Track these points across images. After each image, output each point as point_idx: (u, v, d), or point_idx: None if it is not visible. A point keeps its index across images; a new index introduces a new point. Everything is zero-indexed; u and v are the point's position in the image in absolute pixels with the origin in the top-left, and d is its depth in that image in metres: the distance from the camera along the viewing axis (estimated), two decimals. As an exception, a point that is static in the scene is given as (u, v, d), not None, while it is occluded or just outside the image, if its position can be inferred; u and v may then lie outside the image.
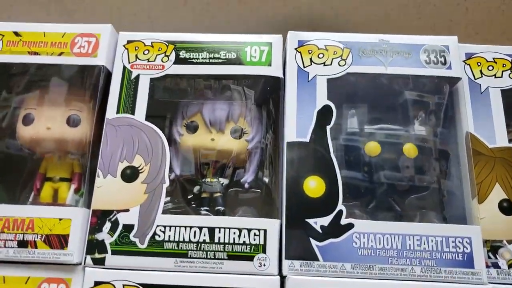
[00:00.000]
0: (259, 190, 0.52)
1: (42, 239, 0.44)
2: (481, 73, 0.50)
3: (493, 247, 0.44)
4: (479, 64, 0.50)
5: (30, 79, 0.52)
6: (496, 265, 0.44)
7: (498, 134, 0.47)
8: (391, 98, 0.52)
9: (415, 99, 0.51)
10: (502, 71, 0.50)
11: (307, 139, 0.46)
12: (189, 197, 0.53)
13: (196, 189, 0.53)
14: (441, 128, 0.51)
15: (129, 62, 0.50)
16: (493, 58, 0.50)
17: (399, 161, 0.49)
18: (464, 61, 0.50)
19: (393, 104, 0.52)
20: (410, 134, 0.50)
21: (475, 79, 0.49)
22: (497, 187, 0.46)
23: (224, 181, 0.52)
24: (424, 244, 0.43)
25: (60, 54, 0.50)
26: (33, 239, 0.44)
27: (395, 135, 0.49)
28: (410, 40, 0.50)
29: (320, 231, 0.43)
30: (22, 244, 0.44)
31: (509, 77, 0.49)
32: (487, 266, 0.43)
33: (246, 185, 0.52)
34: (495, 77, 0.49)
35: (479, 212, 0.45)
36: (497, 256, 0.44)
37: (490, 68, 0.50)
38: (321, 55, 0.49)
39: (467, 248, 0.43)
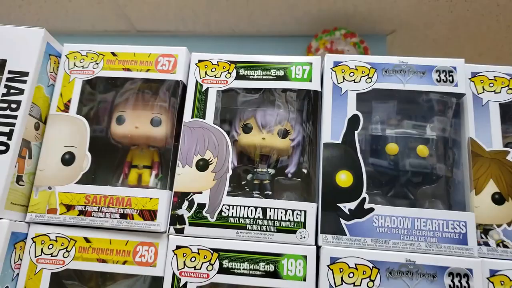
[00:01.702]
0: (299, 179, 0.65)
1: (137, 213, 0.59)
2: (483, 89, 0.61)
3: (485, 230, 0.56)
4: (482, 81, 0.61)
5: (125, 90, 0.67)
6: (486, 244, 0.56)
7: (494, 140, 0.59)
8: (409, 107, 0.64)
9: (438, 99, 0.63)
10: (501, 88, 0.61)
11: (340, 141, 0.59)
12: (243, 183, 0.67)
13: (249, 176, 0.66)
14: (450, 133, 0.63)
15: (200, 78, 0.64)
16: (494, 77, 0.61)
17: (413, 160, 0.61)
18: (469, 78, 0.61)
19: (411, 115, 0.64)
20: (423, 138, 0.62)
21: (478, 94, 0.61)
22: (491, 183, 0.58)
23: (272, 171, 0.66)
24: (429, 225, 0.55)
25: (147, 70, 0.65)
26: (131, 213, 0.59)
27: (410, 137, 0.61)
28: (425, 61, 0.61)
29: (348, 213, 0.56)
30: (123, 216, 0.59)
31: (507, 93, 0.60)
32: (479, 244, 0.55)
33: (289, 175, 0.65)
34: (495, 92, 0.60)
35: (475, 202, 0.57)
36: (488, 236, 0.56)
37: (491, 85, 0.61)
38: (351, 74, 0.61)
39: (463, 230, 0.55)
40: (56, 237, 0.59)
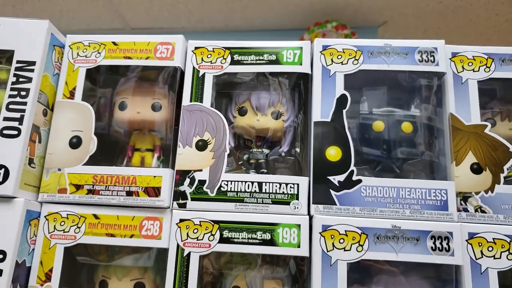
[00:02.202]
0: (292, 158, 0.70)
1: (143, 190, 0.63)
2: (463, 68, 0.65)
3: (464, 197, 0.61)
4: (461, 61, 0.65)
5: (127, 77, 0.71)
6: (466, 210, 0.60)
7: (473, 115, 0.63)
8: (394, 88, 0.69)
9: (421, 84, 0.67)
10: (479, 66, 0.65)
11: (329, 119, 0.64)
12: (239, 162, 0.71)
13: (245, 156, 0.71)
14: (432, 111, 0.67)
15: (197, 64, 0.68)
16: (473, 56, 0.66)
17: (398, 136, 0.66)
18: (450, 58, 0.66)
19: (396, 93, 0.69)
20: (407, 115, 0.66)
21: (458, 72, 0.65)
22: (470, 154, 0.62)
23: (266, 151, 0.70)
24: (413, 194, 0.60)
25: (147, 58, 0.69)
26: (136, 190, 0.63)
27: (396, 115, 0.66)
28: (408, 43, 0.65)
29: (338, 185, 0.61)
30: (129, 193, 0.63)
31: (485, 71, 0.65)
32: (459, 210, 0.60)
33: (283, 154, 0.69)
34: (474, 71, 0.65)
35: (455, 172, 0.61)
36: (467, 203, 0.60)
37: (470, 64, 0.65)
38: (339, 56, 0.66)
39: (443, 197, 0.60)
40: (67, 214, 0.64)
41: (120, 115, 0.71)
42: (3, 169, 0.61)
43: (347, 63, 0.65)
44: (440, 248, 0.57)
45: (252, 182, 0.63)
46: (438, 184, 0.60)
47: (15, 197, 0.61)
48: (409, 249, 0.58)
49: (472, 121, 0.63)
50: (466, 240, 0.58)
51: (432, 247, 0.57)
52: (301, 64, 0.66)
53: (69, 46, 0.71)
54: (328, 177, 0.61)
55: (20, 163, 0.61)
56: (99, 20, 1.60)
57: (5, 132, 0.62)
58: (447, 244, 0.57)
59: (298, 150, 0.69)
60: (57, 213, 0.64)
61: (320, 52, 0.66)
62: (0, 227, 0.60)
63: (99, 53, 0.70)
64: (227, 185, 0.63)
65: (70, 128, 0.67)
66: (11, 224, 0.60)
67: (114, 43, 0.70)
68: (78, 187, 0.64)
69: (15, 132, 0.62)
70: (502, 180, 0.60)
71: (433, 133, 0.66)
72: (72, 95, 0.68)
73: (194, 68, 0.68)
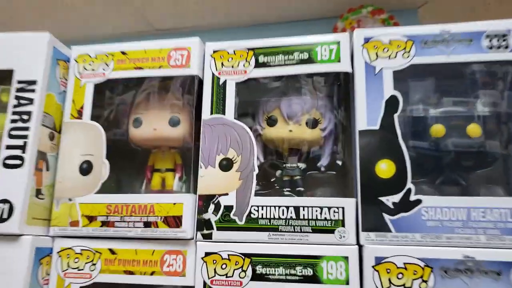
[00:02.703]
0: (334, 172, 0.59)
1: (162, 220, 0.55)
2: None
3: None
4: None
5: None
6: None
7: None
8: (455, 85, 0.56)
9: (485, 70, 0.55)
10: None
11: (377, 127, 0.53)
12: (272, 180, 0.61)
13: (278, 173, 0.61)
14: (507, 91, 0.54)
15: (216, 70, 0.59)
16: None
17: (463, 142, 0.54)
18: (526, 42, 0.53)
19: (458, 89, 0.56)
20: (473, 115, 0.54)
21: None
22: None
23: (302, 165, 0.60)
24: (488, 215, 0.48)
25: (160, 67, 0.60)
26: (155, 220, 0.55)
27: (458, 117, 0.54)
28: (471, 27, 0.53)
29: (392, 207, 0.50)
30: (147, 224, 0.55)
31: None
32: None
33: (322, 168, 0.59)
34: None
35: (542, 185, 0.49)
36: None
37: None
38: (385, 50, 0.54)
39: (529, 217, 0.47)
40: (81, 250, 0.57)
41: (135, 133, 0.63)
42: (7, 205, 0.54)
43: (395, 57, 0.54)
44: (528, 284, 0.46)
45: (288, 207, 0.53)
46: (521, 202, 0.48)
47: (22, 235, 0.54)
48: (488, 286, 0.46)
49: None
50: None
51: None
52: (339, 62, 0.56)
53: (74, 59, 0.63)
54: (379, 197, 0.51)
55: (25, 196, 0.55)
56: (123, 24, 1.55)
57: (7, 162, 0.56)
58: (537, 279, 0.46)
59: (340, 163, 0.58)
60: (70, 248, 0.57)
61: (362, 45, 0.55)
62: (8, 270, 0.53)
63: (107, 65, 0.62)
64: (257, 211, 0.53)
65: (80, 152, 0.60)
66: (19, 265, 0.53)
67: (123, 53, 0.62)
68: (91, 218, 0.57)
69: (19, 162, 0.56)
70: None
71: (504, 135, 0.54)
72: (80, 114, 0.61)
73: (213, 75, 0.59)
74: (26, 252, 0.54)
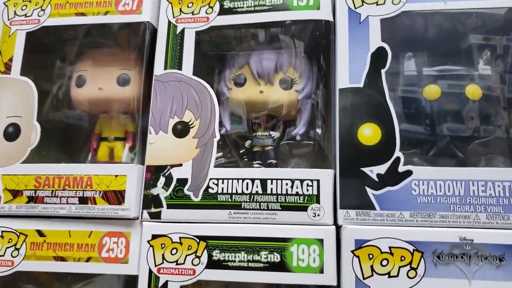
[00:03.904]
0: (311, 142, 0.51)
1: (101, 195, 0.46)
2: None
3: None
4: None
5: (80, 43, 0.53)
6: None
7: None
8: (453, 40, 0.48)
9: (481, 43, 0.47)
10: None
11: (361, 84, 0.44)
12: (241, 151, 0.52)
13: (247, 143, 0.52)
14: (509, 74, 0.47)
15: (173, 17, 0.49)
16: None
17: (462, 107, 0.46)
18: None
19: (455, 46, 0.48)
20: (473, 75, 0.46)
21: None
22: None
23: (275, 134, 0.51)
24: (490, 189, 0.40)
25: (106, 13, 0.50)
26: (92, 196, 0.46)
27: (457, 75, 0.46)
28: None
29: (377, 179, 0.42)
30: (83, 200, 0.46)
31: None
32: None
33: (298, 137, 0.50)
34: None
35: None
36: None
37: None
38: (373, -6, 0.46)
39: (539, 193, 0.40)
40: (2, 232, 0.47)
41: (78, 93, 0.53)
42: None
43: (384, 3, 0.45)
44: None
45: (253, 180, 0.44)
46: (530, 175, 0.40)
47: None
48: (489, 274, 0.38)
49: None
50: None
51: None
52: (318, 9, 0.47)
53: (4, 3, 0.52)
54: (362, 168, 0.42)
55: None
56: None
57: None
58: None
59: (319, 131, 0.49)
60: (-13, 229, 0.47)
61: (345, -11, 0.46)
62: None
63: (43, 10, 0.52)
64: (217, 184, 0.44)
65: (6, 114, 0.50)
66: None
67: (63, -5, 0.51)
68: (15, 193, 0.47)
69: None
70: None
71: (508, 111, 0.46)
72: (8, 68, 0.51)
73: (170, 22, 0.49)
74: None
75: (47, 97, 0.55)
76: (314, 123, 0.50)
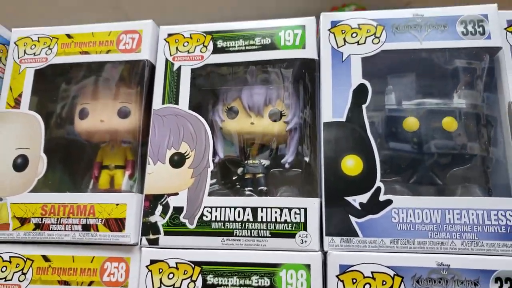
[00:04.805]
0: (299, 170, 0.54)
1: (102, 223, 0.49)
2: (523, 40, 0.48)
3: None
4: (522, 31, 0.48)
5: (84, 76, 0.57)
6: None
7: (544, 104, 0.46)
8: (431, 70, 0.52)
9: (464, 67, 0.51)
10: (548, 37, 0.48)
11: (344, 119, 0.47)
12: (233, 178, 0.55)
13: (239, 170, 0.55)
14: (486, 93, 0.50)
15: (170, 55, 0.53)
16: (538, 24, 0.48)
17: (439, 136, 0.49)
18: (505, 28, 0.48)
19: (433, 76, 0.52)
20: (450, 108, 0.49)
21: (517, 47, 0.48)
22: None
23: (266, 162, 0.54)
24: (465, 217, 0.43)
25: (108, 51, 0.54)
26: (94, 223, 0.49)
27: (433, 109, 0.49)
28: (446, 12, 0.48)
29: (359, 208, 0.45)
30: (86, 227, 0.49)
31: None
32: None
33: (287, 165, 0.53)
34: (541, 43, 0.47)
35: (523, 184, 0.44)
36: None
37: (535, 34, 0.48)
38: (354, 34, 0.49)
39: (509, 221, 0.42)
40: (10, 257, 0.50)
41: (81, 125, 0.56)
42: None
43: (364, 43, 0.49)
44: (509, 294, 0.40)
45: (244, 208, 0.47)
46: (500, 203, 0.43)
47: None
48: (464, 298, 0.41)
49: (542, 112, 0.45)
50: (546, 282, 0.41)
51: (496, 294, 0.41)
52: (304, 48, 0.50)
53: (14, 42, 0.56)
54: (345, 198, 0.45)
55: None
56: (100, 15, 1.50)
57: None
58: (518, 288, 0.41)
59: (307, 159, 0.53)
60: (-3, 256, 0.50)
61: (329, 30, 0.50)
62: None
63: (50, 49, 0.55)
64: (210, 213, 0.47)
65: (14, 146, 0.53)
66: None
67: (69, 36, 0.56)
68: (23, 221, 0.50)
69: None
70: None
71: (485, 134, 0.49)
72: (17, 103, 0.54)
73: (167, 60, 0.53)
74: None
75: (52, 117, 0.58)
76: (302, 150, 0.53)
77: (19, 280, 0.49)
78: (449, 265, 0.42)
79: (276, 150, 0.55)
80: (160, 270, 0.46)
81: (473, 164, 0.50)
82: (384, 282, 0.42)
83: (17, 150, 0.53)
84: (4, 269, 0.49)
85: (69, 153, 0.58)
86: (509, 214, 0.43)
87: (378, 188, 0.45)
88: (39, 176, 0.52)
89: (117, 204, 0.49)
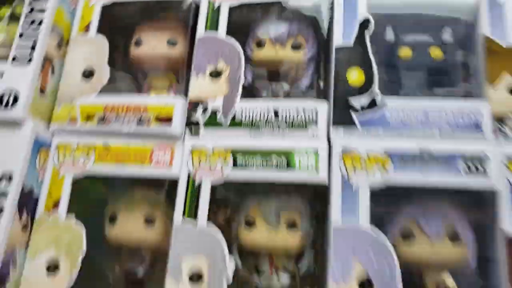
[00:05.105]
0: (314, 92, 0.65)
1: (154, 118, 0.61)
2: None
3: (500, 119, 0.54)
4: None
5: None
6: (501, 131, 0.54)
7: None
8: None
9: None
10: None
11: (351, 44, 0.60)
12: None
13: (264, 93, 0.66)
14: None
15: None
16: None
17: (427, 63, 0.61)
18: None
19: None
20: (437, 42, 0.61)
21: None
22: (508, 76, 0.57)
23: (286, 86, 0.66)
24: (444, 115, 0.55)
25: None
26: (148, 118, 0.61)
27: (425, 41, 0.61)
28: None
29: (360, 108, 0.56)
30: (140, 122, 0.61)
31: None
32: (494, 132, 0.53)
33: (304, 88, 0.65)
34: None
35: (492, 94, 0.56)
36: (503, 125, 0.54)
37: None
38: None
39: (477, 118, 0.54)
40: (77, 144, 0.62)
41: (136, 51, 0.69)
42: (13, 93, 0.60)
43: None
44: (475, 171, 0.52)
45: (268, 109, 0.59)
46: (472, 105, 0.55)
47: (23, 124, 0.60)
48: (439, 172, 0.52)
49: (512, 42, 0.57)
50: (503, 162, 0.52)
51: (465, 170, 0.52)
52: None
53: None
54: (349, 100, 0.57)
55: (30, 89, 0.60)
56: None
57: (16, 58, 0.61)
58: (481, 165, 0.52)
59: (321, 83, 0.64)
60: (67, 143, 0.62)
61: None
62: (8, 152, 0.58)
63: None
64: (241, 114, 0.59)
65: (84, 61, 0.66)
66: (19, 148, 0.58)
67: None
68: (88, 117, 0.62)
69: (27, 59, 0.61)
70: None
71: (466, 59, 0.61)
72: (87, 29, 0.67)
73: (209, 2, 0.66)
74: (26, 137, 0.59)
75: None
76: (318, 78, 0.65)
77: (84, 162, 0.61)
78: (429, 149, 0.53)
79: (295, 76, 0.67)
80: (199, 155, 0.58)
81: (456, 88, 0.61)
82: (376, 161, 0.54)
83: (86, 64, 0.65)
84: (72, 153, 0.61)
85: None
86: (478, 113, 0.54)
87: (376, 93, 0.57)
88: (103, 84, 0.64)
89: (166, 105, 0.61)
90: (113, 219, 0.62)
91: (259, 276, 0.59)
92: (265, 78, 0.67)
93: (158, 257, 0.62)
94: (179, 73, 0.69)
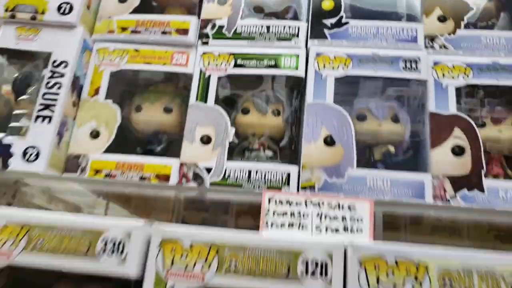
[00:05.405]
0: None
1: (175, 30, 0.80)
2: None
3: (432, 38, 0.75)
4: None
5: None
6: (432, 47, 0.75)
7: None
8: None
9: None
10: None
11: None
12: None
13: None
14: None
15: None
16: None
17: None
18: None
19: None
20: None
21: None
22: (437, 9, 0.78)
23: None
24: (389, 30, 0.75)
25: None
26: (169, 30, 0.80)
27: None
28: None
29: (329, 26, 0.77)
30: (164, 33, 0.80)
31: None
32: (426, 47, 0.75)
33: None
34: None
35: (426, 23, 0.77)
36: (433, 42, 0.75)
37: None
38: None
39: (414, 34, 0.75)
40: (114, 48, 0.80)
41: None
42: (68, 5, 0.78)
43: None
44: (410, 68, 0.72)
45: (262, 26, 0.79)
46: (410, 25, 0.76)
47: (76, 28, 0.78)
48: (385, 69, 0.73)
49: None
50: (431, 67, 0.73)
51: (403, 67, 0.72)
52: None
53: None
54: (322, 20, 0.77)
55: (81, 4, 0.79)
56: None
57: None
58: (416, 65, 0.72)
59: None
60: (105, 47, 0.81)
61: None
62: (65, 47, 0.76)
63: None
64: (241, 29, 0.79)
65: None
66: (72, 45, 0.77)
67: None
68: (124, 29, 0.81)
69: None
70: (462, 26, 0.76)
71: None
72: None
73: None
74: (78, 37, 0.77)
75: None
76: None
77: (121, 60, 0.79)
78: (379, 53, 0.74)
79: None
80: (208, 57, 0.77)
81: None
82: (341, 61, 0.74)
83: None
84: (111, 53, 0.80)
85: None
86: (415, 30, 0.75)
87: (342, 16, 0.77)
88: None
89: (184, 20, 0.80)
90: (138, 109, 0.80)
91: (250, 153, 0.78)
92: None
93: (173, 142, 0.80)
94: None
